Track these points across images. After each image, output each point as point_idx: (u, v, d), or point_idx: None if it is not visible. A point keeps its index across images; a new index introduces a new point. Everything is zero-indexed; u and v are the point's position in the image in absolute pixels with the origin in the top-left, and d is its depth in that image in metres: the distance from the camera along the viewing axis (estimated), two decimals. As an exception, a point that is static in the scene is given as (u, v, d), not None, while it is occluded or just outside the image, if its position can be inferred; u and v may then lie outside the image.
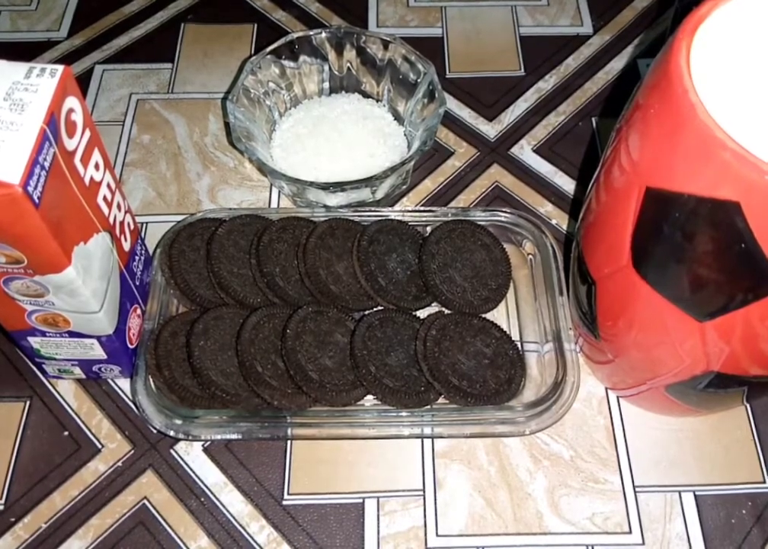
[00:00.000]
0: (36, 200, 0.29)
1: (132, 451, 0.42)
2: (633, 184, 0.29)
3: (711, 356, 0.32)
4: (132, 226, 0.40)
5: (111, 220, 0.37)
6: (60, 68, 0.31)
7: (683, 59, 0.26)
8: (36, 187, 0.28)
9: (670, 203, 0.27)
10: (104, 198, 0.36)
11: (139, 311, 0.42)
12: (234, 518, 0.40)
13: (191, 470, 0.41)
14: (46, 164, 0.29)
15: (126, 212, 0.39)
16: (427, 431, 0.40)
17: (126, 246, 0.39)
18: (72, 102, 0.31)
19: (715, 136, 0.24)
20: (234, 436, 0.39)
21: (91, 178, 0.34)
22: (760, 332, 0.29)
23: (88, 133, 0.33)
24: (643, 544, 0.39)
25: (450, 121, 0.55)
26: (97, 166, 0.34)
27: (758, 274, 0.26)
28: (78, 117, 0.32)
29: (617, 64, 0.58)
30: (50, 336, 0.38)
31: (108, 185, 0.36)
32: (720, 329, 0.30)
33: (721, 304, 0.29)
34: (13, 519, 0.40)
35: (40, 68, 0.31)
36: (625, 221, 0.30)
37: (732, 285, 0.28)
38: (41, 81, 0.30)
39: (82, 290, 0.34)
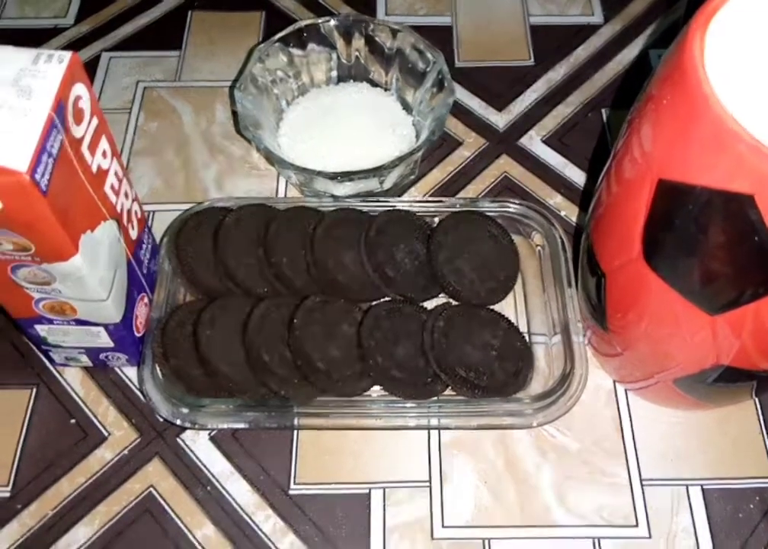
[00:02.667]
0: (44, 188, 0.28)
1: (139, 439, 0.42)
2: (645, 176, 0.29)
3: (721, 350, 0.32)
4: (139, 215, 0.40)
5: (118, 208, 0.37)
6: (68, 54, 0.31)
7: (696, 49, 0.26)
8: (43, 175, 0.28)
9: (683, 195, 0.27)
10: (111, 186, 0.35)
11: (146, 299, 0.42)
12: (240, 507, 0.40)
13: (197, 458, 0.41)
14: (54, 151, 0.29)
15: (133, 200, 0.39)
16: (434, 422, 0.40)
17: (134, 235, 0.39)
18: (79, 89, 0.31)
19: (729, 128, 0.24)
20: (240, 425, 0.39)
21: (99, 166, 0.34)
22: (772, 326, 0.29)
23: (95, 121, 0.33)
24: (650, 537, 0.39)
25: (459, 111, 0.55)
26: (104, 154, 0.34)
27: (771, 268, 0.26)
28: (85, 104, 0.32)
29: (628, 54, 0.58)
30: (57, 324, 0.38)
31: (115, 173, 0.36)
32: (731, 323, 0.30)
33: (733, 298, 0.28)
34: (19, 506, 0.40)
35: (47, 54, 0.31)
36: (637, 213, 0.30)
37: (744, 278, 0.27)
38: (49, 68, 0.30)
39: (89, 278, 0.34)
